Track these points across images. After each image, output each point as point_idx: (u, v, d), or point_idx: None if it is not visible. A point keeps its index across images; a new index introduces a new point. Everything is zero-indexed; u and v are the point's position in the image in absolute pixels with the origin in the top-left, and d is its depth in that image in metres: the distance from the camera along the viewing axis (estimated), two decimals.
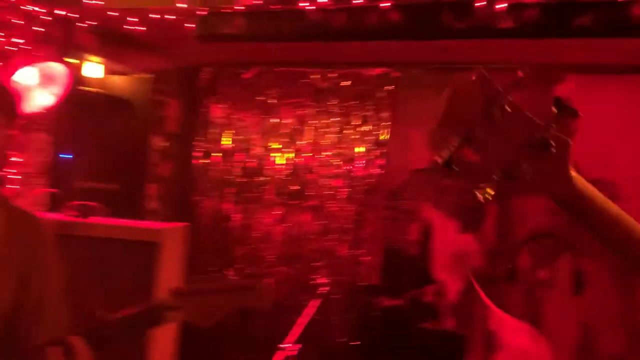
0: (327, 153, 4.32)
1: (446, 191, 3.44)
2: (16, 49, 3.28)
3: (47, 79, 3.22)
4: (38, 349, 1.32)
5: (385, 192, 4.17)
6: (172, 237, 2.62)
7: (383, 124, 4.17)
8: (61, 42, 3.50)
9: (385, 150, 4.17)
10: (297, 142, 4.40)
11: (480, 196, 0.74)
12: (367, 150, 4.21)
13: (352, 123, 4.25)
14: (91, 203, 2.68)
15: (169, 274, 2.56)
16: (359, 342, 4.07)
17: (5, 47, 3.19)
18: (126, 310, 1.31)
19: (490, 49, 3.36)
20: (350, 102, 4.25)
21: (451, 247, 3.80)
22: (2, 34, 3.22)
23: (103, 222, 2.56)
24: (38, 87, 3.16)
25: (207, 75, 4.60)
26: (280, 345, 2.69)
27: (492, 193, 0.73)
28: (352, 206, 4.24)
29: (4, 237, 1.40)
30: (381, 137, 4.18)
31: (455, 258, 3.78)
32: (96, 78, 4.21)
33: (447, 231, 3.76)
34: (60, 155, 3.72)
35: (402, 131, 4.12)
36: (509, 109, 0.74)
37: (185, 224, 2.75)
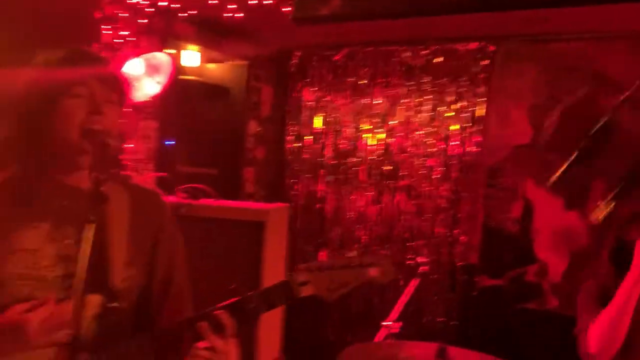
0: (421, 132, 4.27)
1: (549, 167, 3.33)
2: (122, 41, 3.45)
3: (152, 69, 3.37)
4: (177, 324, 1.38)
5: (483, 169, 4.08)
6: (276, 216, 2.69)
7: (479, 100, 4.07)
8: (162, 33, 3.65)
9: (481, 127, 4.07)
10: (389, 122, 4.37)
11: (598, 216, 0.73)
12: (462, 128, 4.12)
13: (446, 100, 4.18)
14: (200, 186, 2.80)
15: (274, 252, 2.64)
16: (457, 322, 4.03)
17: (113, 40, 3.35)
18: (262, 288, 1.38)
19: (595, 16, 3.19)
20: (444, 79, 4.18)
21: (554, 224, 3.68)
22: (110, 27, 3.39)
23: (212, 204, 2.67)
24: (144, 76, 3.31)
25: (297, 59, 4.65)
26: (384, 323, 2.70)
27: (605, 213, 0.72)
28: (447, 185, 4.18)
29: (130, 214, 1.47)
30: (477, 114, 4.08)
31: (559, 236, 3.66)
32: (194, 67, 4.37)
33: (550, 208, 3.64)
34: (164, 142, 3.89)
35: (499, 107, 4.01)
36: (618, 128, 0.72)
37: (287, 204, 2.81)
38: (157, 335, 1.37)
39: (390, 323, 2.81)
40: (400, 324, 2.77)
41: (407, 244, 4.29)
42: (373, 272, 1.37)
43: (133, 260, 1.44)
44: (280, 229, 2.73)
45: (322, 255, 4.54)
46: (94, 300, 1.32)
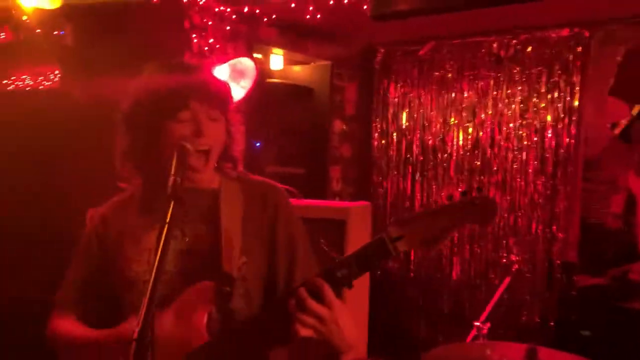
0: (513, 125, 4.11)
1: None
2: (207, 48, 3.57)
3: (237, 74, 3.46)
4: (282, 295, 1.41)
5: (580, 162, 3.86)
6: (358, 214, 2.68)
7: (573, 89, 3.86)
8: (247, 38, 3.75)
9: (576, 118, 3.86)
10: (479, 116, 4.25)
11: None
12: (557, 119, 3.93)
13: (538, 91, 3.99)
14: (285, 186, 2.84)
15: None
16: (555, 323, 3.85)
17: (203, 48, 3.47)
18: (356, 250, 1.32)
19: None
20: (535, 69, 4.00)
21: None
22: (195, 35, 3.51)
23: (296, 203, 2.69)
24: (230, 82, 3.40)
25: (381, 56, 4.62)
26: (475, 323, 2.62)
27: None
28: (543, 179, 3.99)
29: (243, 206, 1.54)
30: (572, 104, 3.87)
31: None
32: (278, 70, 4.46)
33: None
34: (252, 144, 3.98)
35: (595, 95, 3.78)
36: None
37: (368, 202, 2.80)
38: (267, 308, 1.40)
39: (481, 323, 2.73)
40: (489, 324, 2.68)
41: (501, 242, 4.14)
42: (470, 214, 1.24)
43: (247, 249, 1.49)
44: (363, 227, 2.71)
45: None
46: (207, 287, 1.40)
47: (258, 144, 4.12)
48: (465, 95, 4.30)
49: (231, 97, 1.60)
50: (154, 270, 1.13)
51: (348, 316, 1.36)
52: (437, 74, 4.43)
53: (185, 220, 1.51)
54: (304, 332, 1.27)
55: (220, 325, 1.42)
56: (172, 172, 1.33)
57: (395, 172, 4.66)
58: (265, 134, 4.13)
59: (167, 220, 1.24)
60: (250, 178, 1.64)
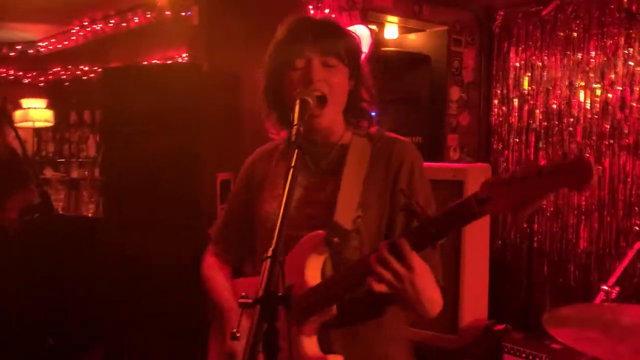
0: None
1: None
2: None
3: None
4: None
5: None
6: (476, 175, 2.64)
7: None
8: (362, 7, 3.77)
9: None
10: (608, 76, 3.99)
11: None
12: None
13: None
14: None
15: None
16: None
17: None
18: (442, 210, 1.30)
19: None
20: None
21: None
22: (312, 7, 3.59)
23: None
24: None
25: (501, 18, 4.46)
26: (603, 286, 2.52)
27: None
28: None
29: (369, 162, 1.60)
30: None
31: None
32: (393, 39, 4.44)
33: None
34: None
35: None
36: None
37: (487, 164, 2.74)
38: (355, 263, 1.44)
39: (609, 287, 2.62)
40: (618, 288, 2.56)
41: (633, 209, 3.90)
42: (566, 177, 1.12)
43: (366, 202, 1.55)
44: None
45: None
46: (317, 236, 1.49)
47: (374, 114, 4.14)
48: (593, 55, 4.06)
49: (356, 47, 1.63)
50: (282, 205, 1.21)
51: (429, 281, 1.38)
52: (561, 34, 4.21)
53: (313, 172, 1.62)
54: (377, 286, 1.30)
55: (333, 273, 1.50)
56: (295, 121, 1.40)
57: (517, 140, 4.51)
58: (381, 103, 4.14)
59: (292, 164, 1.30)
60: (382, 135, 1.67)
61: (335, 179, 1.57)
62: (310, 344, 1.46)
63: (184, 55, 5.39)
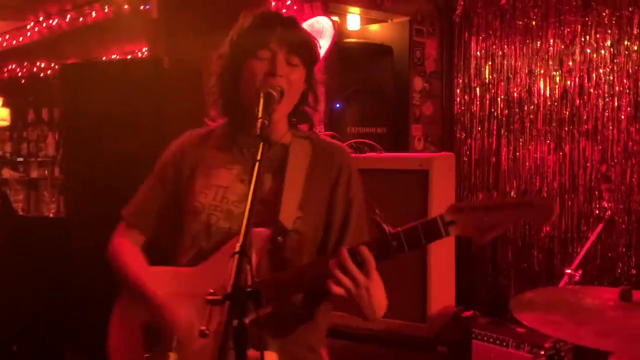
0: (602, 71, 3.91)
1: None
2: (284, 10, 3.62)
3: (315, 33, 3.48)
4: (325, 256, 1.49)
5: None
6: (441, 164, 2.67)
7: None
8: None
9: None
10: (566, 64, 4.07)
11: None
12: None
13: (630, 33, 3.77)
14: (365, 140, 2.88)
15: (439, 202, 2.62)
16: None
17: (281, 10, 3.53)
18: (408, 225, 1.36)
19: None
20: (627, 10, 3.77)
21: None
22: None
23: (378, 156, 2.73)
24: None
25: (461, 8, 4.50)
26: (566, 270, 2.58)
27: None
28: (636, 126, 3.79)
29: (310, 163, 1.61)
30: None
31: None
32: (355, 30, 4.45)
33: None
34: (333, 105, 4.02)
35: None
36: None
37: (452, 153, 2.77)
38: (311, 264, 1.47)
39: (572, 271, 2.68)
40: (581, 271, 2.63)
41: (593, 193, 3.99)
42: (527, 212, 1.27)
43: (306, 204, 1.56)
44: (446, 178, 2.70)
45: None
46: (264, 234, 1.47)
47: (338, 105, 4.15)
48: (551, 43, 4.13)
49: (316, 51, 1.65)
50: (249, 200, 1.22)
51: (380, 289, 1.44)
52: (520, 23, 4.27)
53: (252, 167, 1.59)
54: (336, 289, 1.33)
55: (269, 272, 1.50)
56: (259, 114, 1.40)
57: (480, 128, 4.57)
58: (345, 95, 4.15)
59: (258, 158, 1.31)
60: (321, 138, 1.70)
61: (276, 177, 1.58)
62: None
63: (144, 49, 5.30)
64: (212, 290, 1.01)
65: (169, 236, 1.69)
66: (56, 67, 5.73)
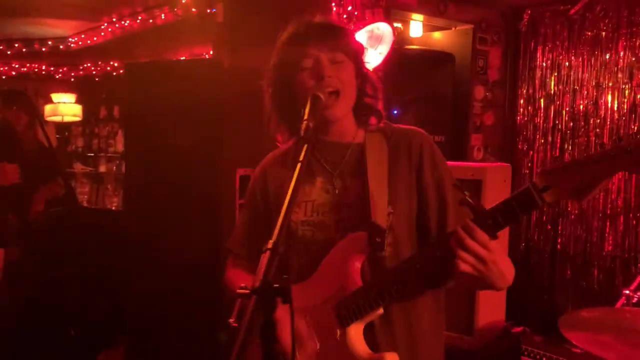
0: None
1: None
2: (345, 16, 3.63)
3: (374, 40, 3.50)
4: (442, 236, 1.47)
5: None
6: (495, 175, 2.62)
7: None
8: (385, 5, 3.76)
9: None
10: (637, 77, 3.91)
11: None
12: None
13: None
14: None
15: None
16: None
17: (342, 16, 3.55)
18: (503, 200, 1.29)
19: None
20: None
21: None
22: (334, 3, 3.60)
23: None
24: (367, 48, 3.44)
25: (528, 17, 4.41)
26: (625, 290, 2.48)
27: None
28: None
29: (388, 156, 1.58)
30: None
31: None
32: (418, 37, 4.42)
33: None
34: (391, 111, 4.00)
35: None
36: None
37: (508, 164, 2.71)
38: (429, 249, 1.44)
39: (630, 291, 2.57)
40: None
41: None
42: (624, 161, 1.13)
43: (394, 198, 1.54)
44: (501, 189, 2.64)
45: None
46: (361, 237, 1.48)
47: (396, 112, 4.13)
48: (621, 55, 3.98)
49: (355, 40, 1.63)
50: (287, 199, 1.21)
51: (504, 256, 1.39)
52: (589, 34, 4.15)
53: (335, 175, 1.60)
54: (464, 267, 1.29)
55: (372, 273, 1.49)
56: (305, 117, 1.40)
57: (543, 140, 4.45)
58: (403, 102, 4.13)
59: (300, 159, 1.31)
60: (394, 128, 1.66)
61: (358, 179, 1.56)
62: (360, 344, 1.46)
63: (210, 52, 5.43)
64: (243, 285, 1.03)
65: None
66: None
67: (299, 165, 1.30)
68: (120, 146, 6.72)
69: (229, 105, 3.16)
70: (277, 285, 0.99)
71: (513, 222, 1.29)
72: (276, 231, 1.11)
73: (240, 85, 3.22)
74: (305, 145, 1.34)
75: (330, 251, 1.53)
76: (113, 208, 5.97)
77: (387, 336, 1.50)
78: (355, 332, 1.46)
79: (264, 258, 1.05)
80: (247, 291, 1.00)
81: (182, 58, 6.03)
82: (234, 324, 1.03)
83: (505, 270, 1.38)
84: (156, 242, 3.21)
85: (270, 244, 1.08)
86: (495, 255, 1.31)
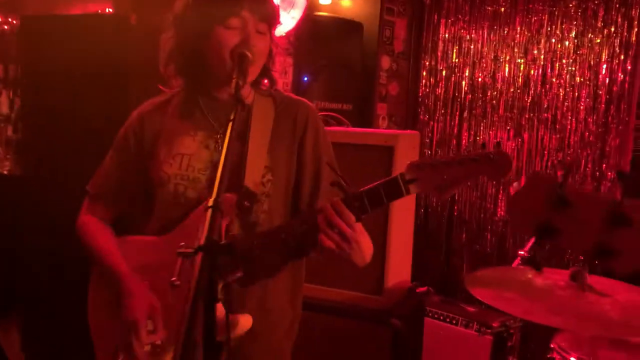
0: (565, 61, 4.01)
1: None
2: None
3: (288, 3, 3.46)
4: (311, 211, 1.51)
5: (634, 99, 3.77)
6: (406, 142, 2.70)
7: (632, 23, 3.73)
8: None
9: (632, 53, 3.74)
10: (531, 52, 4.15)
11: None
12: (612, 55, 3.82)
13: (594, 25, 3.87)
14: (333, 114, 2.88)
15: None
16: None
17: None
18: (369, 185, 1.37)
19: None
20: (593, 3, 3.86)
21: None
22: None
23: (344, 130, 2.73)
24: (280, 11, 3.40)
25: None
26: (520, 252, 2.65)
27: None
28: (595, 117, 3.91)
29: (274, 122, 1.59)
30: (630, 39, 3.75)
31: None
32: (327, 4, 4.42)
33: None
34: (301, 78, 4.00)
35: None
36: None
37: (417, 132, 2.79)
38: (297, 221, 1.47)
39: (524, 252, 2.75)
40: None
41: None
42: (485, 168, 1.27)
43: (274, 166, 1.55)
44: (411, 155, 2.73)
45: None
46: (231, 199, 1.46)
47: (306, 79, 4.13)
48: (518, 30, 4.21)
49: (278, 15, 1.62)
50: (222, 157, 1.19)
51: (365, 237, 1.46)
52: (489, 9, 4.33)
53: (219, 132, 1.58)
54: (328, 243, 1.35)
55: (239, 236, 1.50)
56: (234, 75, 1.38)
57: (443, 111, 4.63)
58: (313, 69, 4.13)
59: (232, 117, 1.29)
60: (284, 96, 1.67)
61: (241, 141, 1.54)
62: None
63: (107, 10, 5.14)
64: (183, 244, 1.00)
65: (136, 207, 1.67)
66: (14, 21, 5.50)
67: (230, 124, 1.28)
68: (4, 108, 6.25)
69: (135, 64, 3.01)
70: (222, 243, 0.98)
71: (378, 207, 1.37)
72: (215, 188, 1.09)
73: (144, 41, 3.08)
74: (237, 105, 1.32)
75: (196, 209, 1.51)
76: (5, 172, 5.57)
77: (239, 296, 1.53)
78: None
79: (206, 216, 1.03)
80: (190, 250, 0.98)
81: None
82: (177, 283, 1.01)
83: (365, 249, 1.46)
84: (52, 207, 3.05)
85: (210, 202, 1.06)
86: (358, 235, 1.37)
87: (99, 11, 5.47)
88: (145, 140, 1.64)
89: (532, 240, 2.85)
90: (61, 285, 3.13)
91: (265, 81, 1.65)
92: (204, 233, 0.98)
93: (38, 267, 3.20)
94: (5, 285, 3.55)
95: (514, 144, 4.26)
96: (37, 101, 3.23)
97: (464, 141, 4.49)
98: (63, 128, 3.07)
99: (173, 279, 1.01)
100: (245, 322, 1.47)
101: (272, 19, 1.56)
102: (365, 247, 1.45)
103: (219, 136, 1.57)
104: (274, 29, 1.59)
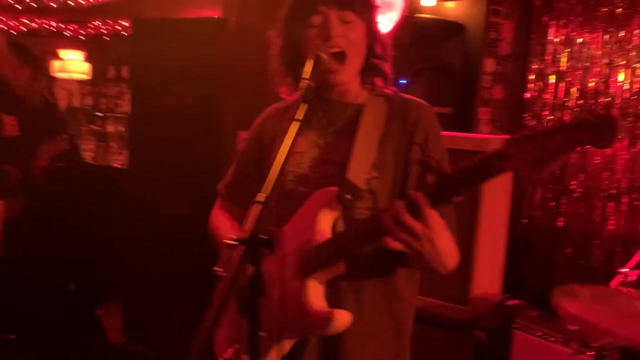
0: None
1: None
2: None
3: (386, 6, 3.45)
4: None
5: None
6: (497, 146, 2.58)
7: None
8: None
9: None
10: None
11: None
12: None
13: None
14: None
15: (492, 188, 2.54)
16: None
17: None
18: (462, 164, 1.25)
19: None
20: None
21: None
22: None
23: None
24: (377, 13, 3.40)
25: None
26: (620, 270, 2.47)
27: None
28: None
29: (385, 122, 1.58)
30: None
31: None
32: (430, 5, 4.35)
33: None
34: (398, 80, 3.97)
35: None
36: None
37: (507, 136, 2.65)
38: (366, 219, 1.44)
39: (627, 270, 2.56)
40: (638, 272, 2.51)
41: None
42: (588, 134, 1.07)
43: (381, 164, 1.54)
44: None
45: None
46: (331, 191, 1.49)
47: (404, 81, 4.09)
48: (636, 33, 3.91)
49: (371, 1, 1.61)
50: (281, 154, 1.24)
51: (446, 237, 1.35)
52: (604, 10, 4.06)
53: (329, 131, 1.61)
54: (393, 244, 1.26)
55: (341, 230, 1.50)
56: (306, 76, 1.39)
57: (551, 117, 4.40)
58: (412, 71, 4.08)
59: (297, 117, 1.32)
60: (399, 96, 1.65)
61: (351, 138, 1.55)
62: (317, 298, 1.44)
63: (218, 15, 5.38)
64: (232, 236, 1.03)
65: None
66: (126, 24, 5.90)
67: (293, 123, 1.30)
68: (127, 107, 6.72)
69: (233, 66, 3.13)
70: (264, 237, 0.99)
71: (471, 187, 1.25)
72: (268, 185, 1.10)
73: (244, 46, 3.19)
74: (304, 105, 1.34)
75: (305, 204, 1.53)
76: (118, 166, 6.00)
77: (347, 296, 1.51)
78: (314, 286, 1.45)
79: (255, 210, 1.05)
80: (235, 242, 1.00)
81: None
82: (220, 272, 1.03)
83: (446, 253, 1.34)
84: (157, 200, 3.23)
85: (261, 197, 1.08)
86: (431, 232, 1.26)
87: (212, 15, 5.75)
88: (264, 143, 1.71)
89: (637, 256, 2.65)
90: (163, 274, 3.30)
91: (378, 81, 1.65)
92: (248, 226, 1.00)
93: (143, 255, 3.40)
94: (113, 272, 3.81)
95: (628, 155, 3.97)
96: (145, 99, 3.43)
97: None
98: (166, 125, 3.25)
99: (216, 267, 1.04)
100: (343, 317, 1.42)
101: (361, 4, 1.55)
102: (444, 248, 1.34)
103: (328, 135, 1.61)
104: (369, 15, 1.58)
